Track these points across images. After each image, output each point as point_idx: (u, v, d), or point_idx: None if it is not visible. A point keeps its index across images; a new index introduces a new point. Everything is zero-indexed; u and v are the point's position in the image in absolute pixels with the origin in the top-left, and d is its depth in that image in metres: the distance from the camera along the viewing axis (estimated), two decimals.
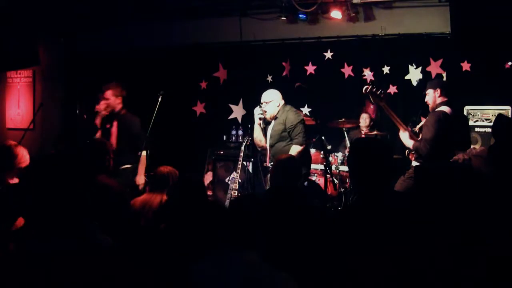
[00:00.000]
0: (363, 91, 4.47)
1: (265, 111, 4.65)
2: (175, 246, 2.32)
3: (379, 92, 4.43)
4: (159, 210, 3.64)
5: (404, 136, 4.54)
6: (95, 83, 7.60)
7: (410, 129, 4.62)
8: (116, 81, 5.16)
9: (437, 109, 4.44)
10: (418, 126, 4.69)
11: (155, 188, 3.85)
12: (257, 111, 4.73)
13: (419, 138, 4.49)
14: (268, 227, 2.17)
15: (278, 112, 4.66)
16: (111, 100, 5.00)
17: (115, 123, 5.03)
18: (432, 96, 4.51)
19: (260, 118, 4.74)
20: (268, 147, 4.74)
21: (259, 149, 5.02)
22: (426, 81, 6.21)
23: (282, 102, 4.70)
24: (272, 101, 4.64)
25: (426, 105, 4.70)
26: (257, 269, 1.86)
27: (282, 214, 2.82)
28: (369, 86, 4.44)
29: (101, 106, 5.04)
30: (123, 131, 4.99)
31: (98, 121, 5.10)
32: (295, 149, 4.50)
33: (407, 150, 4.67)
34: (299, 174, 3.44)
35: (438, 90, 4.48)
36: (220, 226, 2.07)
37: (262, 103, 4.68)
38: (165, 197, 3.74)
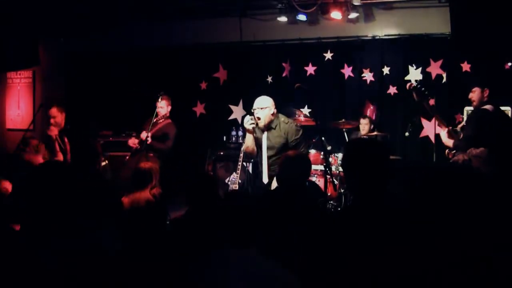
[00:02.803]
0: (407, 87, 4.47)
1: (259, 118, 4.51)
2: (182, 243, 2.32)
3: (423, 89, 4.41)
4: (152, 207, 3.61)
5: (444, 135, 4.51)
6: (94, 83, 7.67)
7: (450, 128, 4.58)
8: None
9: (480, 107, 4.40)
10: (460, 126, 4.64)
11: (139, 185, 3.77)
12: (247, 120, 4.53)
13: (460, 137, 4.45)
14: (269, 225, 2.16)
15: (272, 121, 4.54)
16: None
17: None
18: (479, 94, 4.43)
19: (253, 128, 4.59)
20: (265, 159, 4.53)
21: (251, 157, 4.90)
22: (426, 81, 6.24)
23: (275, 110, 4.60)
24: (268, 107, 4.49)
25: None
26: (258, 267, 1.86)
27: (284, 212, 2.82)
28: (413, 83, 4.42)
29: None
30: None
31: None
32: None
33: (447, 150, 4.63)
34: (307, 172, 3.41)
35: (487, 91, 4.41)
36: (223, 225, 2.04)
37: (255, 109, 4.54)
38: (149, 194, 3.72)
